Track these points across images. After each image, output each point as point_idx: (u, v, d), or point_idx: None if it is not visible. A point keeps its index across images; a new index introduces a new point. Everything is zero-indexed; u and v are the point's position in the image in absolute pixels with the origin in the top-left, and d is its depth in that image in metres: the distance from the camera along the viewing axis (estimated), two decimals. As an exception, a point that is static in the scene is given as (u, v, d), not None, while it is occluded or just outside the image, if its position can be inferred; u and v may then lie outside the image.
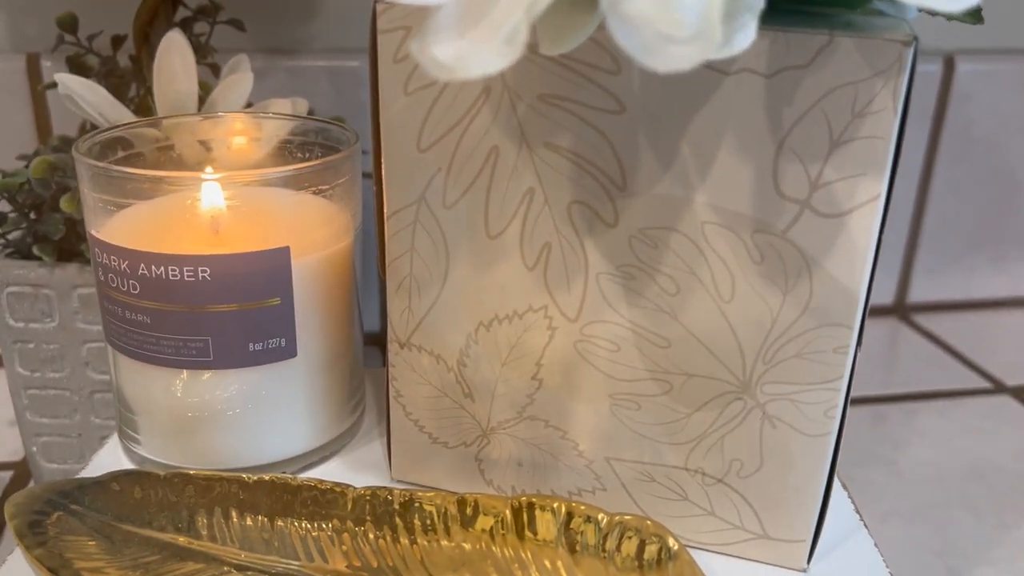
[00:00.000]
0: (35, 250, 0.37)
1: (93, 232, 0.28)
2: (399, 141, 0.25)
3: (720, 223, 0.23)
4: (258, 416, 0.30)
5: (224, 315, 0.28)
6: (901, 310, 0.67)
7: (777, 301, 0.24)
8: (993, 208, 0.64)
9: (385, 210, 0.26)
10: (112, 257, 0.28)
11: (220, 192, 0.29)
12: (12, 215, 0.38)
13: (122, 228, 0.28)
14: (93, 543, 0.26)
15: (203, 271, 0.27)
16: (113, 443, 0.33)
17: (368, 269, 0.52)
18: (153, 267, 0.27)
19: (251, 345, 0.28)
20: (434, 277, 0.27)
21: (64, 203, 0.35)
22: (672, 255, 0.24)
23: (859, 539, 0.28)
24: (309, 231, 0.29)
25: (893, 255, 0.65)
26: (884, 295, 0.66)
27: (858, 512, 0.30)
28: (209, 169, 0.33)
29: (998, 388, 0.57)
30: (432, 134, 0.25)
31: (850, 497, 0.30)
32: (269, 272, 0.28)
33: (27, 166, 0.38)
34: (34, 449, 0.41)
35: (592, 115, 0.23)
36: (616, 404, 0.26)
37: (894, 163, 0.22)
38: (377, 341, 0.54)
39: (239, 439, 0.30)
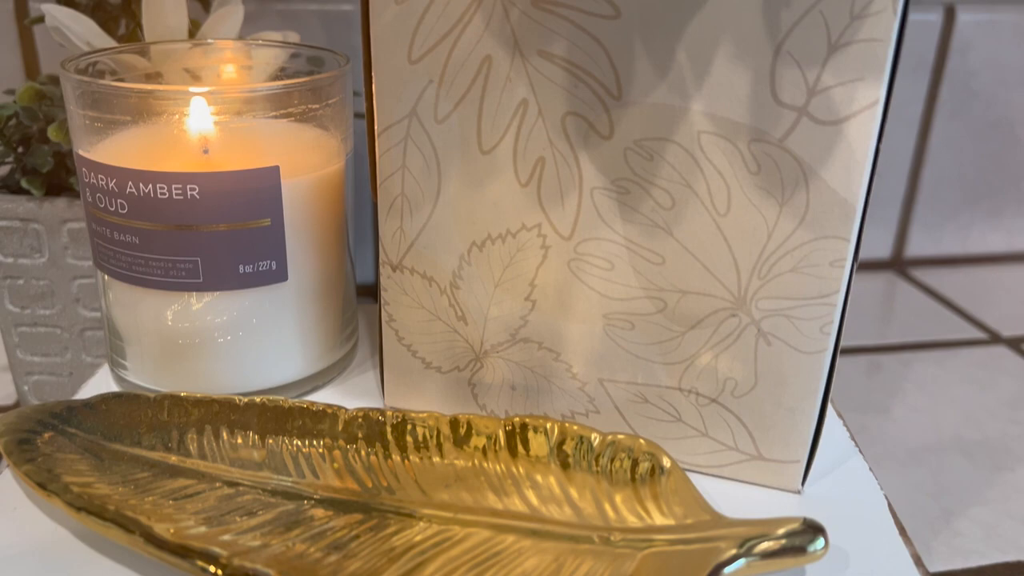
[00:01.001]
0: (23, 183, 0.36)
1: (81, 152, 0.28)
2: (390, 52, 0.25)
3: (716, 132, 0.23)
4: (249, 342, 0.30)
5: (214, 235, 0.27)
6: (898, 264, 0.66)
7: (773, 213, 0.23)
8: (992, 162, 0.64)
9: (376, 126, 0.26)
10: (100, 176, 0.27)
11: (209, 115, 0.28)
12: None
13: (110, 149, 0.28)
14: (83, 461, 0.25)
15: (192, 189, 0.27)
16: (103, 373, 0.32)
17: (361, 213, 0.52)
18: (141, 185, 0.27)
19: (241, 267, 0.28)
20: (426, 196, 0.26)
21: (52, 132, 0.34)
22: (667, 167, 0.24)
23: (854, 464, 0.28)
24: (299, 153, 0.29)
25: (891, 209, 0.64)
26: (881, 249, 0.66)
27: (853, 439, 0.30)
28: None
29: (994, 339, 0.57)
30: (423, 44, 0.24)
31: (845, 424, 0.30)
32: (259, 192, 0.27)
33: (15, 99, 0.37)
34: (25, 388, 0.41)
35: (587, 21, 0.23)
36: (610, 324, 0.26)
37: (893, 67, 0.22)
38: (371, 292, 0.54)
39: (229, 366, 0.30)
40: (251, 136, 0.29)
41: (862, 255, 0.65)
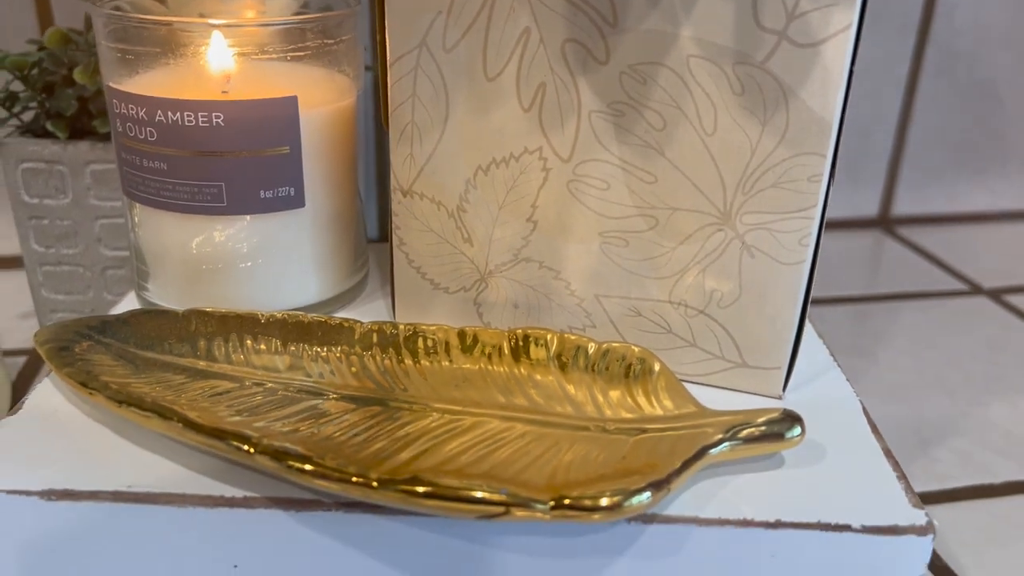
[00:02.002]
0: (48, 126, 0.38)
1: (111, 84, 0.30)
2: (402, -15, 0.27)
3: (704, 56, 0.25)
4: (268, 266, 0.32)
5: (237, 161, 0.29)
6: (885, 222, 0.68)
7: (756, 132, 0.25)
8: (976, 123, 0.66)
9: (388, 57, 0.28)
10: (130, 106, 0.29)
11: (228, 50, 0.30)
12: (23, 94, 0.39)
13: (139, 81, 0.30)
14: (118, 366, 0.27)
15: (217, 117, 0.28)
16: (129, 299, 0.34)
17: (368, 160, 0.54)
18: (169, 113, 0.29)
19: (262, 192, 0.30)
20: (435, 122, 0.28)
21: (78, 74, 0.36)
22: (659, 90, 0.26)
23: (832, 375, 0.30)
24: (314, 87, 0.31)
25: (878, 169, 0.66)
26: (869, 207, 0.68)
27: (832, 355, 0.32)
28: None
29: (975, 290, 0.59)
30: (434, -24, 0.26)
31: (824, 343, 0.32)
32: (278, 120, 0.29)
33: (38, 48, 0.39)
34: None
35: (585, -48, 0.25)
36: (606, 242, 0.28)
37: (865, -8, 0.24)
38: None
39: (250, 289, 0.32)
40: (268, 77, 0.30)
41: (850, 213, 0.67)
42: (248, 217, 0.30)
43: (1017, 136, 0.67)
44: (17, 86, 0.40)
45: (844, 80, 0.24)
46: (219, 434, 0.23)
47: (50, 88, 0.39)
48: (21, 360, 0.47)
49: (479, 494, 0.21)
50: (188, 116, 0.28)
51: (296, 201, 0.31)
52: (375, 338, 0.29)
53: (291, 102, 0.29)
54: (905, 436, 0.43)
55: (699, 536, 0.24)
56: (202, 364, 0.28)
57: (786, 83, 0.25)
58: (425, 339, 0.29)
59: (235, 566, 0.25)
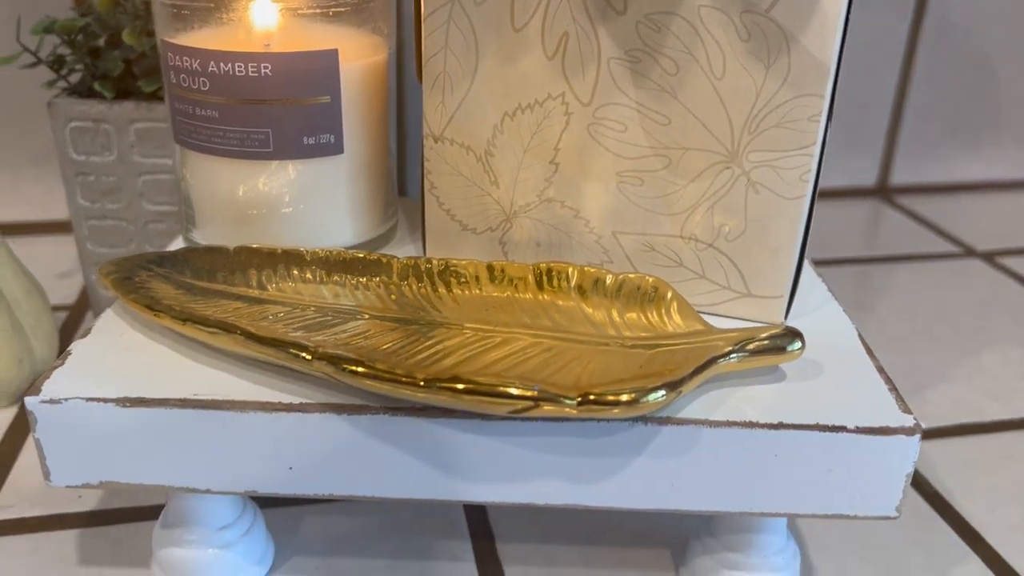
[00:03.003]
0: (96, 86, 0.41)
1: (166, 39, 0.32)
2: (437, -57, 0.29)
3: (713, 5, 0.28)
4: (308, 210, 0.34)
5: (282, 109, 0.32)
6: (883, 191, 0.71)
7: (761, 75, 0.28)
8: (971, 95, 0.68)
9: (423, 11, 0.30)
10: (184, 58, 0.32)
11: (272, 7, 0.32)
12: (70, 57, 0.42)
13: (191, 37, 0.32)
14: (178, 294, 0.30)
15: (265, 67, 0.31)
16: (177, 244, 0.37)
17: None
18: (221, 64, 0.31)
19: (305, 139, 0.32)
20: (465, 72, 0.31)
21: (127, 35, 0.39)
22: (673, 38, 0.28)
23: (830, 308, 0.33)
24: (352, 42, 0.33)
25: (876, 140, 0.69)
26: (867, 177, 0.70)
27: (831, 291, 0.34)
28: None
29: (968, 252, 0.61)
30: (466, -65, 0.29)
31: (823, 281, 0.35)
32: (320, 71, 0.32)
33: (82, 14, 0.42)
34: (93, 278, 0.45)
35: (605, -89, 0.27)
36: (623, 181, 0.31)
37: (860, -55, 0.26)
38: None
39: (291, 232, 0.34)
40: (308, 29, 0.33)
41: (848, 182, 0.70)
42: (291, 162, 0.33)
43: (1011, 107, 0.69)
44: (63, 51, 0.42)
45: (841, 26, 0.27)
46: (279, 344, 0.26)
47: (96, 51, 0.42)
48: (62, 315, 0.49)
49: (513, 390, 0.24)
50: (239, 67, 0.31)
51: (335, 148, 0.33)
52: (411, 271, 0.31)
53: (332, 55, 0.32)
54: (900, 382, 0.45)
55: (709, 436, 0.26)
56: (254, 292, 0.30)
57: (788, 29, 0.27)
58: (456, 271, 0.31)
59: (290, 468, 0.27)
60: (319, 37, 0.33)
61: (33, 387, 0.27)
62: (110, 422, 0.27)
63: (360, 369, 0.25)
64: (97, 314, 0.46)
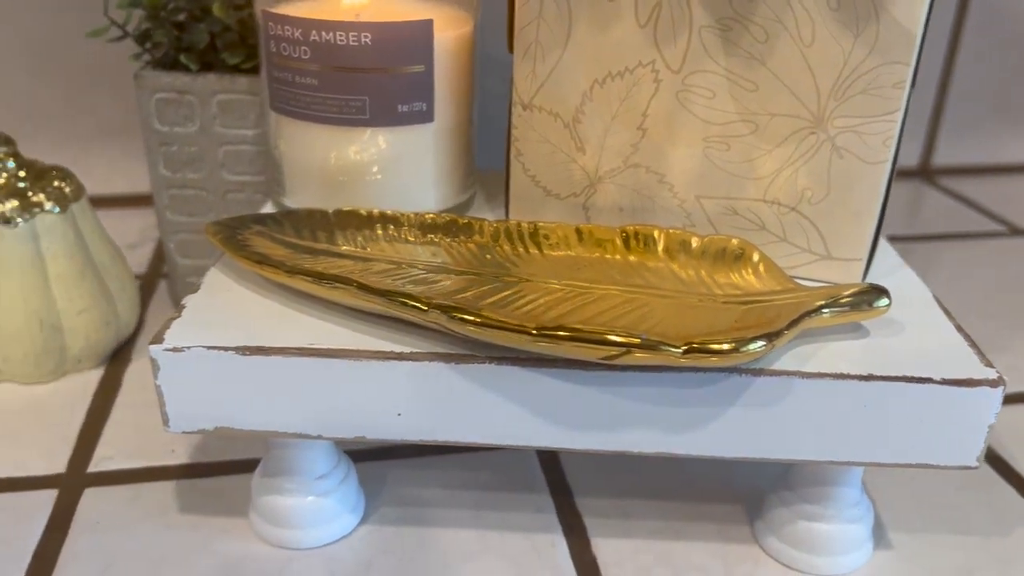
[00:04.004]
0: (182, 58, 0.42)
1: (266, 8, 0.34)
2: (537, -85, 0.30)
3: (806, -25, 0.29)
4: (398, 176, 0.35)
5: (379, 77, 0.33)
6: (926, 173, 0.72)
7: (849, 43, 0.29)
8: (1017, 75, 0.69)
9: (517, -17, 0.32)
10: (286, 27, 0.33)
11: None
12: (155, 31, 0.43)
13: (287, 8, 0.34)
14: (283, 251, 0.31)
15: (365, 36, 0.32)
16: (267, 210, 0.38)
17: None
18: (323, 33, 0.32)
19: (400, 106, 0.34)
20: (557, 40, 0.32)
21: (216, 8, 0.40)
22: (764, 6, 0.29)
23: (904, 273, 0.34)
24: (441, 13, 0.34)
25: (919, 120, 0.70)
26: (910, 158, 0.71)
27: (902, 258, 0.35)
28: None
29: (1013, 231, 0.62)
30: (566, -93, 0.30)
31: (895, 251, 0.36)
32: (416, 41, 0.33)
33: (167, -11, 0.43)
34: (171, 246, 0.47)
35: None
36: (709, 146, 0.32)
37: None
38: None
39: (380, 198, 0.36)
40: (397, 9, 0.34)
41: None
42: (384, 130, 0.34)
43: (1054, 90, 0.70)
44: (146, 24, 0.44)
45: (929, -5, 0.28)
46: (394, 295, 0.27)
47: (180, 24, 0.43)
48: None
49: (619, 338, 0.25)
50: (339, 36, 0.32)
51: (427, 116, 0.35)
52: (502, 233, 0.33)
53: (427, 25, 0.33)
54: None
55: (801, 387, 0.27)
56: (356, 251, 0.32)
57: (878, -1, 0.28)
58: (546, 233, 0.32)
59: (399, 414, 0.29)
60: (407, 9, 0.34)
61: (155, 336, 0.28)
62: (229, 370, 0.28)
63: (473, 318, 0.26)
64: (176, 281, 0.48)
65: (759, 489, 0.36)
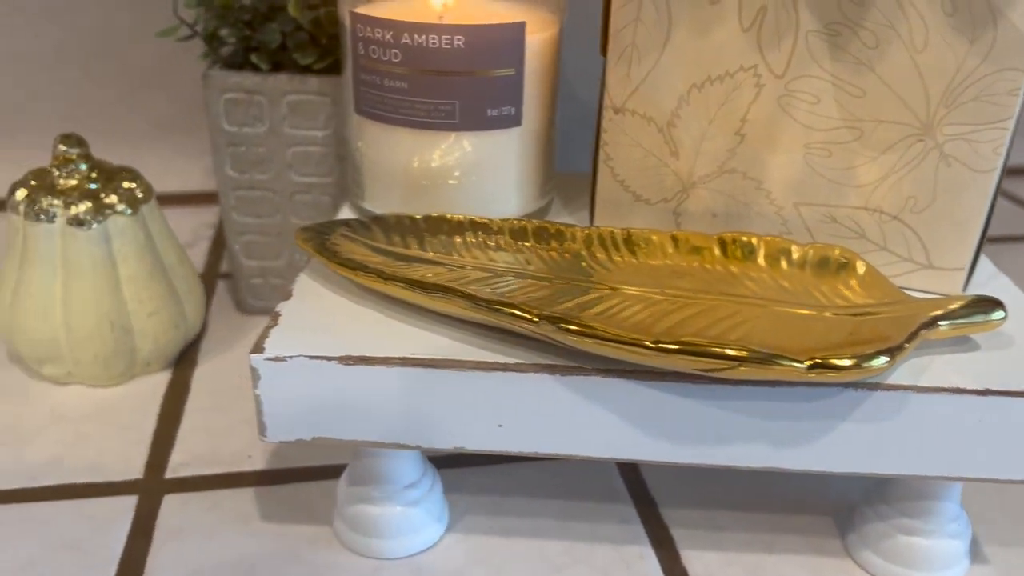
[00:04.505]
0: (253, 58, 0.42)
1: (355, 10, 0.33)
2: (641, -84, 0.30)
3: (922, -21, 0.28)
4: (482, 180, 0.35)
5: (470, 80, 0.33)
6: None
7: (963, 49, 0.28)
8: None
9: (615, -15, 0.31)
10: (376, 30, 0.32)
11: None
12: (224, 31, 0.43)
13: (375, 7, 0.33)
14: (377, 258, 0.31)
15: (458, 39, 0.32)
16: (345, 212, 0.38)
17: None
18: (416, 36, 0.32)
19: (489, 110, 0.33)
20: (655, 44, 0.31)
21: (292, 8, 0.39)
22: (875, 11, 0.29)
23: (1002, 281, 0.33)
24: (529, 16, 0.34)
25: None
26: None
27: (996, 267, 0.35)
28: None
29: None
30: (672, -92, 0.29)
31: (987, 258, 0.35)
32: (508, 43, 0.32)
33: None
34: (236, 247, 0.46)
35: None
36: (810, 153, 0.31)
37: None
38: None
39: (462, 202, 0.35)
40: (479, 4, 0.33)
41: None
42: (471, 133, 0.34)
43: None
44: (213, 23, 0.43)
45: (1052, 0, 0.27)
46: (503, 306, 0.27)
47: (250, 24, 0.42)
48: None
49: (739, 352, 0.25)
50: (432, 39, 0.32)
51: (515, 120, 0.34)
52: (595, 240, 0.32)
53: (520, 27, 0.32)
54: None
55: (916, 402, 0.27)
56: (448, 257, 0.31)
57: (995, 4, 0.28)
58: (641, 240, 0.32)
59: (500, 425, 0.28)
60: (493, 9, 0.34)
61: (255, 345, 0.28)
62: (330, 379, 0.28)
63: (587, 331, 0.25)
64: (241, 282, 0.47)
65: (848, 500, 0.35)
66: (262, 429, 0.29)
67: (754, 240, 0.31)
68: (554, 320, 0.26)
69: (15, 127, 0.59)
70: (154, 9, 0.57)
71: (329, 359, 0.28)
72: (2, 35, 0.56)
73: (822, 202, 0.32)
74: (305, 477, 0.37)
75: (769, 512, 0.35)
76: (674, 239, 0.32)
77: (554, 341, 0.27)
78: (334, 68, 0.42)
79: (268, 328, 0.29)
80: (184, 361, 0.44)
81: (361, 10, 0.33)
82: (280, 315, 0.30)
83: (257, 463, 0.37)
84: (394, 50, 0.32)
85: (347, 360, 0.27)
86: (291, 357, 0.28)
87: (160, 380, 0.43)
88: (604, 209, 0.35)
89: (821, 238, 0.33)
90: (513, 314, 0.27)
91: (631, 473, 0.37)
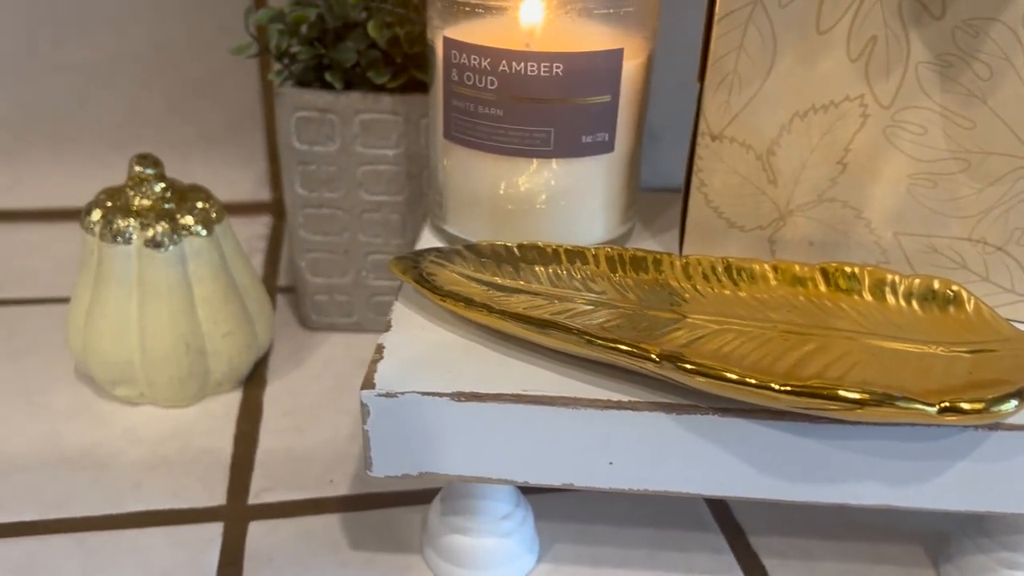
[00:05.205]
0: (327, 76, 0.41)
1: (448, 35, 0.33)
2: (750, -55, 0.29)
3: (1042, 11, 0.27)
4: (570, 207, 0.35)
5: (566, 108, 0.32)
6: None
7: (1082, 82, 0.28)
8: None
9: (716, 12, 0.31)
10: (473, 56, 0.32)
11: (539, 8, 0.32)
12: (294, 48, 0.42)
13: (462, 30, 0.32)
14: (478, 288, 0.31)
15: (557, 67, 0.31)
16: (427, 237, 0.37)
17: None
18: (513, 63, 0.31)
19: (583, 137, 0.33)
20: (757, 72, 0.31)
21: (371, 28, 0.39)
22: (990, 43, 0.28)
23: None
24: (623, 42, 0.33)
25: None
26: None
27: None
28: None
29: None
30: (784, -62, 0.29)
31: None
32: (606, 70, 0.32)
33: (308, 4, 0.42)
34: (302, 264, 0.46)
35: (939, -85, 0.27)
36: (914, 183, 0.31)
37: None
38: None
39: (546, 228, 0.35)
40: (568, 29, 0.32)
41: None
42: (566, 160, 0.33)
43: None
44: (283, 41, 0.43)
45: None
46: (623, 344, 0.26)
47: (321, 39, 0.42)
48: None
49: (862, 395, 0.24)
50: (531, 66, 0.31)
51: (607, 146, 0.34)
52: (694, 269, 0.32)
53: (618, 54, 0.32)
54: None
55: (1037, 442, 0.27)
56: (548, 288, 0.31)
57: (1119, 37, 0.27)
58: (742, 269, 0.31)
59: (610, 463, 0.28)
60: (582, 34, 0.33)
61: (365, 381, 0.28)
62: (441, 415, 0.27)
63: (711, 371, 0.25)
64: (305, 299, 0.47)
65: (938, 528, 0.35)
66: (368, 464, 0.29)
67: (856, 270, 0.31)
68: (675, 359, 0.26)
69: (66, 136, 0.59)
70: (206, 20, 0.56)
71: (441, 395, 0.27)
72: (54, 46, 0.56)
73: (923, 232, 0.32)
74: (391, 503, 0.36)
75: (859, 539, 0.35)
76: (775, 268, 0.31)
77: (672, 380, 0.26)
78: (407, 87, 0.42)
79: (375, 362, 0.29)
80: (253, 380, 0.44)
81: (455, 35, 0.32)
82: (384, 347, 0.29)
83: (340, 487, 0.37)
84: (490, 77, 0.32)
85: (459, 396, 0.27)
86: (402, 393, 0.27)
87: (232, 400, 0.42)
88: (695, 234, 0.35)
89: (921, 268, 0.32)
90: (633, 352, 0.26)
91: (716, 501, 0.37)
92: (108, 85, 0.58)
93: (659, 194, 0.42)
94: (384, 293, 0.47)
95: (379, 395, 0.27)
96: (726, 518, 0.36)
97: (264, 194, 0.62)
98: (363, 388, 0.27)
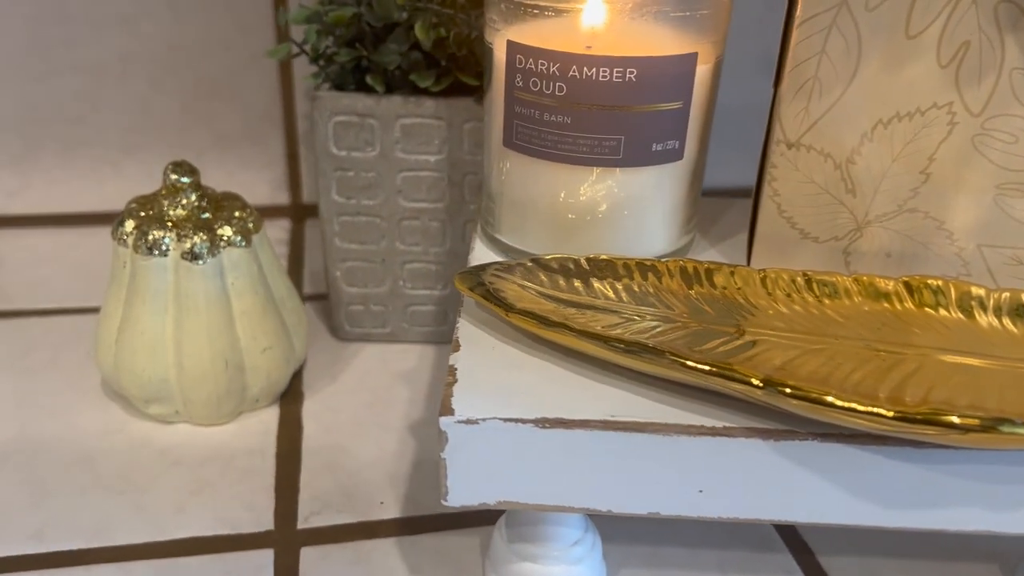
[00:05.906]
0: (368, 79, 0.40)
1: (513, 39, 0.31)
2: (839, -54, 0.28)
3: None
4: (634, 217, 0.33)
5: (637, 115, 0.31)
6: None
7: None
8: None
9: (797, 16, 0.29)
10: (540, 62, 0.30)
11: (602, 9, 0.31)
12: (331, 50, 0.41)
13: (528, 32, 0.31)
14: (550, 305, 0.29)
15: (630, 72, 0.30)
16: (480, 248, 0.36)
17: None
18: (584, 69, 0.30)
19: (654, 145, 0.31)
20: (840, 78, 0.30)
21: (419, 30, 0.37)
22: (1091, 49, 0.27)
23: None
24: (696, 47, 0.32)
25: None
26: None
27: None
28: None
29: None
30: (876, -62, 0.27)
31: None
32: (678, 76, 0.31)
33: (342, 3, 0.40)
34: (337, 274, 0.44)
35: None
36: (1001, 194, 0.30)
37: None
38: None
39: (607, 239, 0.33)
40: (628, 31, 0.31)
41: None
42: (635, 169, 0.32)
43: None
44: (320, 42, 0.41)
45: None
46: (722, 369, 0.25)
47: (360, 40, 0.40)
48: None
49: (978, 419, 0.23)
50: (603, 72, 0.30)
51: (677, 154, 0.32)
52: (775, 283, 0.30)
53: (692, 59, 0.31)
54: None
55: None
56: (620, 304, 0.30)
57: None
58: (825, 283, 0.30)
59: (700, 491, 0.27)
60: (649, 37, 0.32)
61: (443, 407, 0.26)
62: (523, 442, 0.26)
63: (817, 398, 0.24)
64: (339, 308, 0.45)
65: (1012, 547, 0.34)
66: (444, 494, 0.27)
67: (941, 283, 0.30)
68: (777, 385, 0.24)
69: (79, 138, 0.56)
70: (222, 18, 0.54)
71: (524, 422, 0.26)
72: (67, 46, 0.54)
73: (1009, 244, 0.30)
74: (446, 526, 0.35)
75: (931, 558, 0.34)
76: (858, 282, 0.30)
77: (771, 405, 0.25)
78: (450, 90, 0.40)
79: (449, 386, 0.27)
80: (289, 395, 0.42)
81: (520, 39, 0.31)
82: (456, 369, 0.28)
83: (391, 510, 0.36)
84: (559, 83, 0.30)
85: (543, 423, 0.26)
86: (483, 420, 0.26)
87: (269, 417, 0.41)
88: (765, 245, 0.33)
89: (1004, 281, 0.31)
90: (734, 378, 0.25)
91: (782, 518, 0.36)
92: (120, 86, 0.56)
93: (708, 199, 0.40)
94: (421, 303, 0.45)
95: (459, 422, 0.26)
96: (793, 538, 0.35)
97: (282, 198, 0.60)
98: (441, 415, 0.26)
